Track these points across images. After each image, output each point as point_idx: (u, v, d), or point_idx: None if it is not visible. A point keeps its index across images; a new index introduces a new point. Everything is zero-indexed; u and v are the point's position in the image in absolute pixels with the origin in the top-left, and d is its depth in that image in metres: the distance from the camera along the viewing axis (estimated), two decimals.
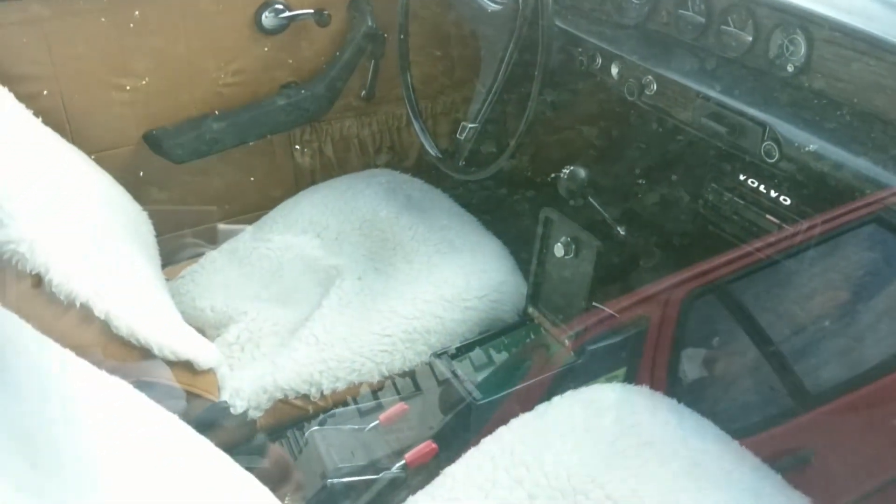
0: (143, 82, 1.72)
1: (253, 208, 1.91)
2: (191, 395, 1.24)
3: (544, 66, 1.47)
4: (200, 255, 1.71)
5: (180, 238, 1.82)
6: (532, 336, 1.46)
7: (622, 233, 1.42)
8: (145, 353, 1.15)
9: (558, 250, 1.38)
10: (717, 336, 1.33)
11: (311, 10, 1.80)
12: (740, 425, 1.16)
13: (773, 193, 1.33)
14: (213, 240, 1.78)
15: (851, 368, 1.15)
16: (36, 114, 1.49)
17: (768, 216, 1.35)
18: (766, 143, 1.19)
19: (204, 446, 0.94)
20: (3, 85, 1.45)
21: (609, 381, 1.31)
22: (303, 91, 1.87)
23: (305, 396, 1.41)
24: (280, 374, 1.40)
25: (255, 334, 1.50)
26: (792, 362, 1.19)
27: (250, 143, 1.87)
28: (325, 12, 1.81)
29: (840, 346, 1.19)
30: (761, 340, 1.22)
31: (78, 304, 1.07)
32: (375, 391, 1.44)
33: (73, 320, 1.08)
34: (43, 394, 0.68)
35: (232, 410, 1.33)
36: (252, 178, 1.94)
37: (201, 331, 1.50)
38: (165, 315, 1.25)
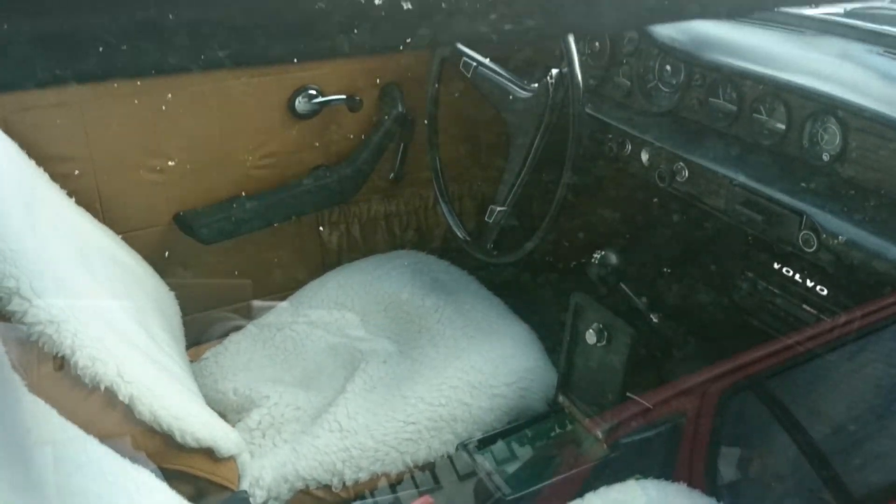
0: (175, 164, 1.74)
1: (279, 289, 1.90)
2: (210, 484, 1.21)
3: (574, 153, 1.47)
4: (226, 335, 1.70)
5: (213, 315, 1.81)
6: (563, 426, 1.42)
7: (655, 320, 1.39)
8: (167, 439, 1.13)
9: (590, 337, 1.35)
10: (756, 433, 1.28)
11: (344, 96, 1.83)
12: None
13: (809, 283, 1.30)
14: (248, 316, 1.77)
15: None
16: (69, 194, 1.51)
17: (805, 307, 1.32)
18: (803, 232, 1.17)
19: None
20: (39, 165, 1.47)
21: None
22: (332, 174, 1.89)
23: (327, 487, 1.36)
24: (301, 462, 1.36)
25: (276, 419, 1.46)
26: (835, 464, 1.14)
27: (277, 224, 1.88)
28: (358, 98, 1.84)
29: (887, 448, 1.14)
30: (802, 439, 1.17)
31: (102, 388, 1.05)
32: (399, 483, 1.39)
33: (97, 404, 1.06)
34: (69, 486, 0.65)
35: (252, 501, 1.29)
36: (279, 259, 1.94)
37: (223, 414, 1.48)
38: (188, 400, 1.22)
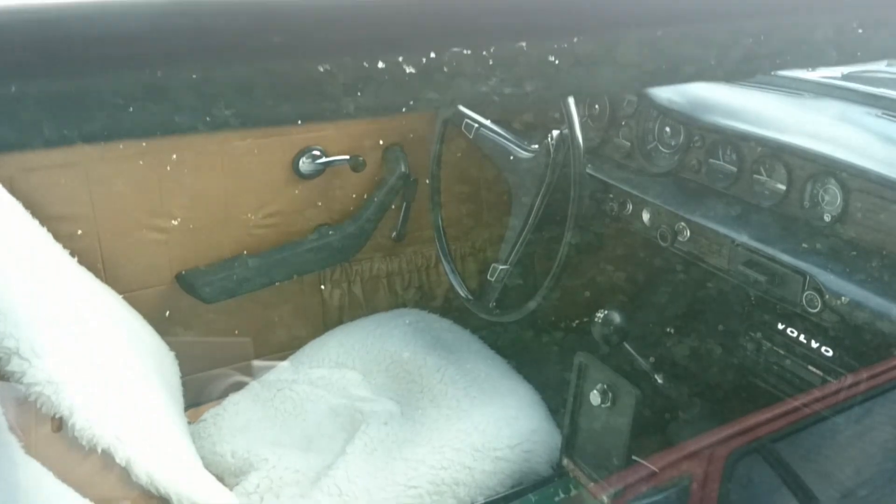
0: (179, 224, 1.75)
1: (280, 347, 1.89)
2: None
3: (576, 212, 1.48)
4: (226, 394, 1.68)
5: (213, 373, 1.80)
6: (568, 491, 1.39)
7: (660, 381, 1.38)
8: (164, 503, 1.10)
9: (594, 398, 1.33)
10: (764, 497, 1.25)
11: (347, 157, 1.85)
12: None
13: (814, 344, 1.29)
14: (249, 375, 1.76)
15: None
16: (72, 253, 1.51)
17: (811, 368, 1.30)
18: (807, 292, 1.17)
19: None
20: (42, 225, 1.48)
21: None
22: (335, 233, 1.90)
23: None
24: None
25: (275, 483, 1.43)
26: None
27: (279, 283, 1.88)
28: (361, 158, 1.86)
29: None
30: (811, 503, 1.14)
31: (99, 450, 1.03)
32: None
33: (94, 466, 1.04)
34: None
35: None
36: (280, 317, 1.93)
37: (220, 477, 1.45)
38: (186, 463, 1.20)
